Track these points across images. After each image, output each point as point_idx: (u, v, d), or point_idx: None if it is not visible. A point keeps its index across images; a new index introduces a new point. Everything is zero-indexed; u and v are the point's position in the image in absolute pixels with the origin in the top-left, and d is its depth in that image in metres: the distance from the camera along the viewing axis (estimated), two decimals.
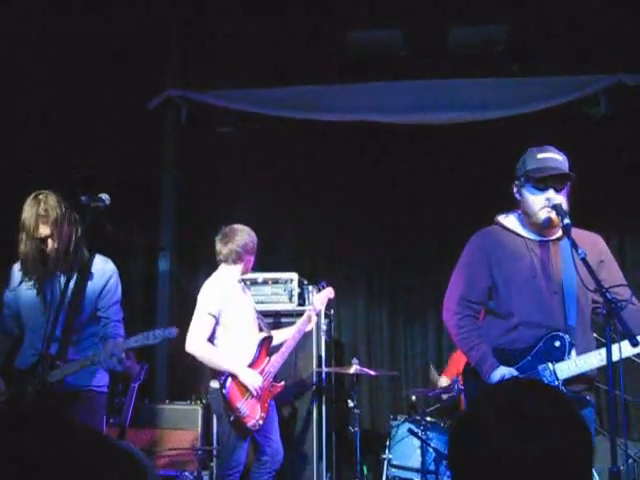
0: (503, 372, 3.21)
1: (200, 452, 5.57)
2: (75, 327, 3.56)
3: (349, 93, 6.58)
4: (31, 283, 3.63)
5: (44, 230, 3.48)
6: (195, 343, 4.59)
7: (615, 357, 2.82)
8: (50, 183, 3.66)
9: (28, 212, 3.49)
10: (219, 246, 4.80)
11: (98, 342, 3.66)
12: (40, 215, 3.46)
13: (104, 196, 3.43)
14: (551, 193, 3.25)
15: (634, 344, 2.78)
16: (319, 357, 5.80)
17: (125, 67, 6.17)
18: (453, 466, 1.37)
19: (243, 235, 4.79)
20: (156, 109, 6.64)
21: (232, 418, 4.56)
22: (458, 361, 5.85)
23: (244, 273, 4.89)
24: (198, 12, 6.38)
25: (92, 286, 3.61)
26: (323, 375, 5.78)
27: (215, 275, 4.82)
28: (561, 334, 3.23)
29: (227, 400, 4.57)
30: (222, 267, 4.81)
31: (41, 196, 3.51)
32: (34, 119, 5.90)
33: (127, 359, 3.63)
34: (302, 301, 5.94)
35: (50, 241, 3.50)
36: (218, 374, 4.63)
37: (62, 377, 3.43)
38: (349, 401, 5.45)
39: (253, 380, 4.62)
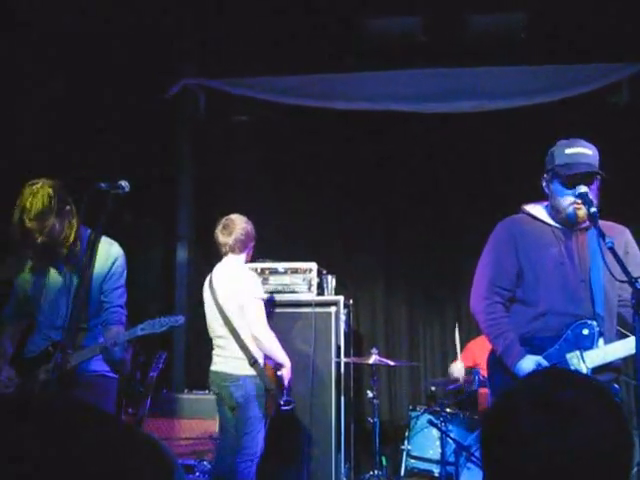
0: (531, 362, 3.15)
1: (218, 441, 5.55)
2: (87, 315, 3.53)
3: (367, 81, 6.52)
4: (30, 272, 3.58)
5: (29, 224, 3.35)
6: (263, 329, 4.65)
7: None
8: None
9: (18, 202, 3.37)
10: (223, 238, 4.81)
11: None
12: (25, 208, 3.33)
13: (123, 183, 3.37)
14: (580, 189, 3.17)
15: None
16: (338, 347, 5.76)
17: (126, 65, 6.11)
18: (486, 463, 1.30)
19: (242, 223, 4.83)
20: (171, 102, 6.60)
21: (282, 402, 4.70)
22: (474, 350, 5.81)
23: (247, 262, 4.94)
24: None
25: (98, 271, 3.54)
26: (342, 365, 5.75)
27: (232, 264, 4.80)
28: (589, 322, 3.18)
29: (282, 385, 4.69)
30: (230, 257, 4.82)
31: (34, 187, 3.37)
32: (34, 119, 5.87)
33: (124, 351, 3.57)
34: (321, 291, 5.91)
35: (36, 235, 3.37)
36: (254, 360, 4.61)
37: (75, 364, 3.40)
38: (368, 391, 5.44)
39: (289, 372, 4.78)
